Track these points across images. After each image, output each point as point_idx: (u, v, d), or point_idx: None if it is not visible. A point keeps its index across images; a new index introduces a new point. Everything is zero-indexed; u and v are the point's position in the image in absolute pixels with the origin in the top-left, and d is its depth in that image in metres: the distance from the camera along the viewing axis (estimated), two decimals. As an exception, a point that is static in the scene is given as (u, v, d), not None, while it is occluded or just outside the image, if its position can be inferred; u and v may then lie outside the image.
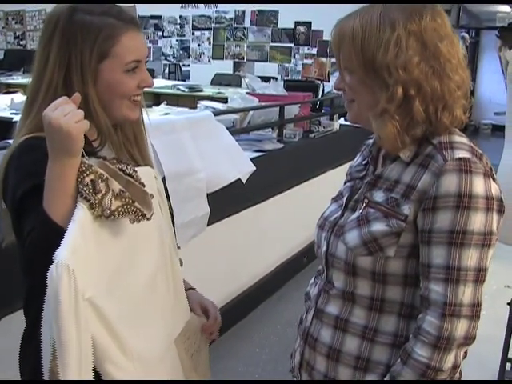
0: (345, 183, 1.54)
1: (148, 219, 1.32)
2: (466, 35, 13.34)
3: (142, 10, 11.85)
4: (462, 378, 1.40)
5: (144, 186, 1.35)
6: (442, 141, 1.32)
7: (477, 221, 1.24)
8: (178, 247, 1.64)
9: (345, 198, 1.48)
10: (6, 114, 5.38)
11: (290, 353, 1.61)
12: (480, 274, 1.26)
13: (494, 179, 1.29)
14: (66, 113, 1.19)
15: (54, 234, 1.19)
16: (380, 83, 1.31)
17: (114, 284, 1.29)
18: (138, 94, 1.45)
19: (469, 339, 1.27)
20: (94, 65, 1.37)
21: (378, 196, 1.37)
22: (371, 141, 1.54)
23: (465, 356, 1.35)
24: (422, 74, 1.29)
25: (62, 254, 1.14)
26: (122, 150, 1.50)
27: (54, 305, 1.14)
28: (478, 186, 1.25)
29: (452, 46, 1.33)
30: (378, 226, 1.33)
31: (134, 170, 1.34)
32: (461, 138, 1.34)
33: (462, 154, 1.28)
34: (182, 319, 1.59)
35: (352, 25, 1.33)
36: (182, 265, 1.66)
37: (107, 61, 1.38)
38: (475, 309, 1.26)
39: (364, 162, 1.52)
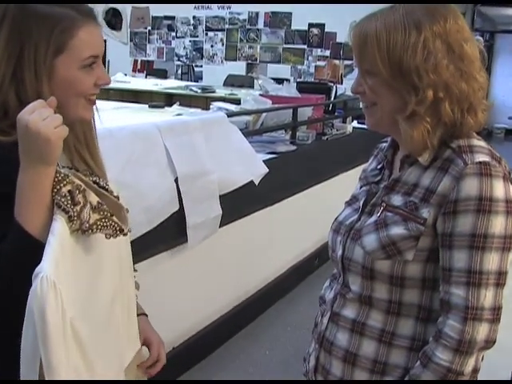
0: (360, 187, 1.53)
1: (124, 234, 1.26)
2: (481, 38, 13.29)
3: (156, 10, 11.90)
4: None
5: (118, 199, 1.30)
6: (461, 144, 1.32)
7: (498, 224, 1.24)
8: (135, 270, 1.55)
9: (361, 202, 1.47)
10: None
11: (300, 355, 1.60)
12: (501, 278, 1.27)
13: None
14: (44, 117, 1.11)
15: (30, 247, 1.12)
16: (408, 86, 1.30)
17: (86, 305, 1.20)
18: (94, 92, 1.33)
19: (489, 342, 1.27)
20: (49, 60, 1.24)
21: (396, 200, 1.36)
22: (385, 145, 1.53)
23: (482, 358, 1.35)
24: (451, 76, 1.28)
25: (46, 268, 1.06)
26: (72, 153, 1.36)
27: (40, 325, 1.06)
28: (498, 189, 1.24)
29: (474, 47, 1.34)
30: (397, 230, 1.32)
31: (106, 184, 1.29)
32: (479, 142, 1.34)
33: (481, 157, 1.27)
34: (134, 347, 1.48)
35: (375, 27, 1.31)
36: (138, 288, 1.57)
37: (63, 55, 1.25)
38: (496, 312, 1.26)
39: (379, 167, 1.51)
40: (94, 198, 1.19)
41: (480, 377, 1.39)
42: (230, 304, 3.77)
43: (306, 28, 10.77)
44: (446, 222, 1.28)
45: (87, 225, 1.17)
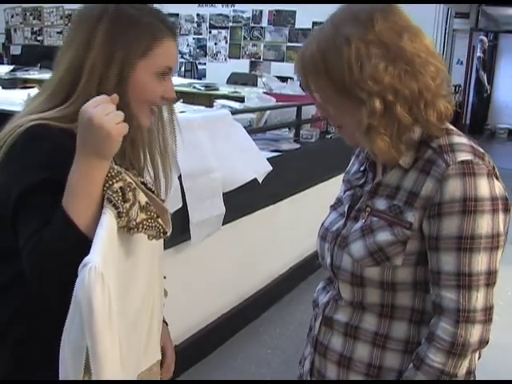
0: (345, 191, 1.50)
1: (167, 237, 1.27)
2: (485, 38, 13.30)
3: (160, 8, 11.88)
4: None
5: (163, 202, 1.31)
6: (442, 143, 1.29)
7: (484, 224, 1.22)
8: (164, 277, 1.56)
9: (346, 207, 1.44)
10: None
11: (301, 354, 1.59)
12: (491, 277, 1.24)
13: (497, 178, 1.26)
14: (107, 112, 1.14)
15: (73, 237, 1.13)
16: (356, 101, 1.25)
17: (120, 305, 1.19)
18: (158, 104, 1.40)
19: (483, 343, 1.26)
20: (134, 61, 1.31)
21: (380, 204, 1.34)
22: None
23: (479, 357, 1.34)
24: (394, 78, 1.23)
25: (94, 258, 1.07)
26: (124, 157, 1.38)
27: (87, 314, 1.05)
28: (483, 187, 1.22)
29: (415, 38, 1.27)
30: (383, 236, 1.30)
31: (152, 185, 1.30)
32: (460, 139, 1.30)
33: (463, 156, 1.24)
34: (153, 357, 1.47)
35: (310, 53, 1.28)
36: (166, 296, 1.57)
37: (145, 59, 1.32)
38: (488, 312, 1.25)
39: (362, 169, 1.48)
40: (142, 198, 1.21)
41: (480, 376, 1.38)
42: (231, 302, 3.76)
43: (310, 26, 10.75)
44: (431, 225, 1.25)
45: (134, 223, 1.18)
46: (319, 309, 1.49)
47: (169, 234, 1.27)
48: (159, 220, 1.23)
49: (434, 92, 1.27)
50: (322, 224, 1.52)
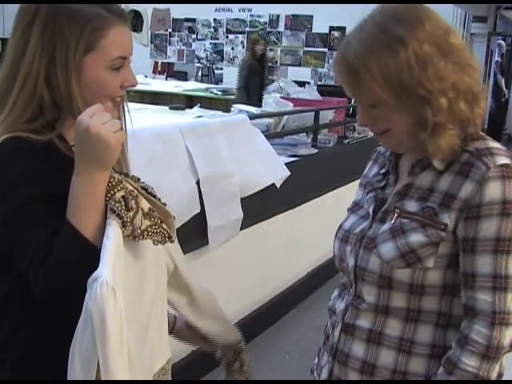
0: (367, 193, 1.48)
1: (172, 241, 1.26)
2: (503, 42, 13.21)
3: (177, 12, 11.93)
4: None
5: (165, 205, 1.30)
6: (479, 147, 1.28)
7: None
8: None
9: (371, 209, 1.42)
10: None
11: (314, 363, 1.57)
12: None
13: None
14: (104, 121, 1.12)
15: (84, 250, 1.12)
16: (418, 101, 1.24)
17: (132, 312, 1.19)
18: (120, 94, 1.32)
19: None
20: (78, 58, 1.22)
21: (411, 206, 1.32)
22: (383, 149, 1.50)
23: None
24: (453, 73, 1.24)
25: (105, 272, 1.06)
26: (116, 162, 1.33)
27: (100, 329, 1.05)
28: None
29: (456, 34, 1.29)
30: (416, 237, 1.28)
31: (152, 189, 1.28)
32: (495, 144, 1.30)
33: (502, 160, 1.24)
34: (165, 355, 1.45)
35: (357, 56, 1.25)
36: None
37: (92, 54, 1.23)
38: None
39: (382, 171, 1.47)
40: (145, 205, 1.19)
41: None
42: (249, 307, 3.75)
43: (327, 31, 10.76)
44: (468, 227, 1.25)
45: (139, 231, 1.17)
46: (337, 316, 1.46)
47: (173, 238, 1.26)
48: (163, 225, 1.22)
49: (479, 88, 1.29)
50: (340, 227, 1.50)
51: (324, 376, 1.49)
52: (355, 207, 1.51)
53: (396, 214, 1.34)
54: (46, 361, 1.23)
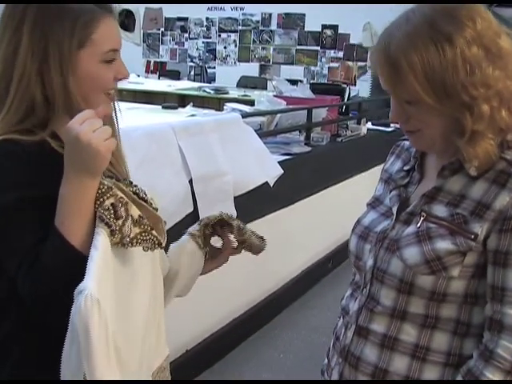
0: (390, 191, 1.42)
1: (162, 248, 1.25)
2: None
3: (169, 11, 11.90)
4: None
5: (157, 210, 1.29)
6: None
7: None
8: None
9: (394, 209, 1.37)
10: None
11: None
12: None
13: None
14: (94, 128, 1.10)
15: (73, 259, 1.11)
16: (459, 106, 1.18)
17: (123, 317, 1.18)
18: (113, 87, 1.32)
19: None
20: (73, 54, 1.23)
21: (439, 210, 1.27)
22: (407, 143, 1.46)
23: None
24: (499, 80, 1.17)
25: (90, 285, 1.05)
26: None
27: (84, 343, 1.04)
28: None
29: (506, 36, 1.22)
30: (443, 244, 1.23)
31: (145, 194, 1.27)
32: None
33: None
34: (162, 354, 1.47)
35: (401, 50, 1.18)
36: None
37: (85, 49, 1.24)
38: None
39: (406, 168, 1.42)
40: (135, 212, 1.18)
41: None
42: (243, 306, 3.75)
43: (320, 29, 10.74)
44: (501, 240, 1.20)
45: (128, 239, 1.16)
46: (350, 317, 1.41)
47: (164, 244, 1.25)
48: (153, 232, 1.21)
49: None
50: (359, 222, 1.45)
51: (335, 378, 1.45)
52: (375, 202, 1.46)
53: (422, 218, 1.29)
54: (46, 361, 1.21)
